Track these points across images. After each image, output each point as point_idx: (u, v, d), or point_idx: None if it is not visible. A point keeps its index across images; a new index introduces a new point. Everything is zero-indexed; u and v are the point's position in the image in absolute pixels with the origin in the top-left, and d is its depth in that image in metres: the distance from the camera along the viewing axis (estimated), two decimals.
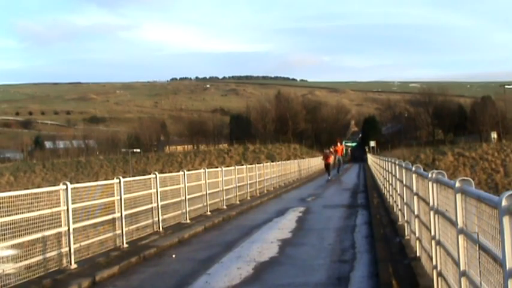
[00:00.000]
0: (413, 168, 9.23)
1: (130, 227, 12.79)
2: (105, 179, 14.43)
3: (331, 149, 43.92)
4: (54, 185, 10.29)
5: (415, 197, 9.04)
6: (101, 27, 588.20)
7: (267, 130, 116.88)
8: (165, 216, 15.08)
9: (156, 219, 14.37)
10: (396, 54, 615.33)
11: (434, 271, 6.74)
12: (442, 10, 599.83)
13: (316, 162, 60.49)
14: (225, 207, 20.78)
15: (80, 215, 10.50)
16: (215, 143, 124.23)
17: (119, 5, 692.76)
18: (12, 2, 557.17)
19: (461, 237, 4.94)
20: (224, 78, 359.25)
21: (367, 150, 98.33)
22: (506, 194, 3.31)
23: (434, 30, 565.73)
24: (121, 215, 12.07)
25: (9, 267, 8.36)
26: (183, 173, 17.16)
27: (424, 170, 8.69)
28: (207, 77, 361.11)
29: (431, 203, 6.92)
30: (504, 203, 3.29)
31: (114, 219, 11.98)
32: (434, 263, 6.77)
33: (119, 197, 12.09)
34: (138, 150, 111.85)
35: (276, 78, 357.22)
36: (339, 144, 47.42)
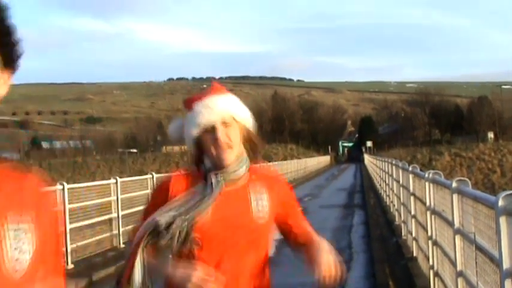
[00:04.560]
0: (410, 168, 9.25)
1: (127, 227, 12.77)
2: (102, 179, 14.47)
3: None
4: (51, 185, 10.27)
5: (412, 197, 9.05)
6: (97, 34, 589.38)
7: (263, 130, 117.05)
8: None
9: None
10: (393, 55, 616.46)
11: (431, 271, 6.75)
12: (438, 10, 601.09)
13: (312, 163, 60.56)
14: None
15: (76, 215, 10.48)
16: None
17: (114, 16, 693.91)
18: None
19: (457, 238, 4.94)
20: (221, 78, 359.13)
21: (363, 150, 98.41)
22: (503, 194, 3.31)
23: (430, 30, 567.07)
24: (118, 215, 12.05)
25: None
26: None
27: (421, 170, 8.71)
28: (204, 77, 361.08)
29: (428, 203, 6.93)
30: (501, 203, 3.29)
31: (111, 219, 11.97)
32: (431, 263, 6.77)
33: (115, 197, 12.07)
34: (135, 150, 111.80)
35: (272, 78, 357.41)
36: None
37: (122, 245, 12.00)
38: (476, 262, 4.24)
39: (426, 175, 6.92)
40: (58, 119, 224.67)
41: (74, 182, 12.26)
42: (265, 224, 2.24)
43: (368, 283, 8.56)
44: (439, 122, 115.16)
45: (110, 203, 11.99)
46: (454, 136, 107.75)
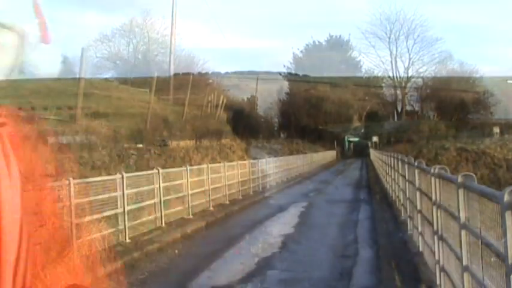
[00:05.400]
0: (416, 164, 9.23)
1: (133, 222, 12.80)
2: (108, 175, 14.49)
3: None
4: (57, 180, 10.27)
5: (418, 192, 9.04)
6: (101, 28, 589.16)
7: (269, 125, 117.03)
8: (167, 212, 15.07)
9: (159, 214, 14.38)
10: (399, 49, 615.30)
11: (437, 266, 6.74)
12: (444, 5, 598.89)
13: (318, 158, 60.60)
14: (227, 202, 20.77)
15: (82, 210, 10.51)
16: (218, 138, 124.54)
17: (120, 10, 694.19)
18: None
19: (463, 232, 4.94)
20: (227, 73, 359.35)
21: (369, 145, 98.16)
22: (509, 189, 3.30)
23: (436, 24, 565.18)
24: (124, 210, 12.07)
25: None
26: (185, 168, 17.17)
27: (427, 164, 8.69)
28: (210, 72, 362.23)
29: (433, 198, 6.92)
30: (506, 198, 3.29)
31: (116, 214, 11.99)
32: (436, 258, 6.77)
33: (121, 193, 12.10)
34: (141, 145, 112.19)
35: (279, 73, 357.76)
36: None
37: (128, 240, 12.06)
38: (482, 257, 4.24)
39: (432, 170, 6.91)
40: (64, 114, 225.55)
41: (80, 177, 12.30)
42: None
43: (374, 277, 8.56)
44: (445, 117, 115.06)
45: (116, 198, 12.01)
46: (460, 131, 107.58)
